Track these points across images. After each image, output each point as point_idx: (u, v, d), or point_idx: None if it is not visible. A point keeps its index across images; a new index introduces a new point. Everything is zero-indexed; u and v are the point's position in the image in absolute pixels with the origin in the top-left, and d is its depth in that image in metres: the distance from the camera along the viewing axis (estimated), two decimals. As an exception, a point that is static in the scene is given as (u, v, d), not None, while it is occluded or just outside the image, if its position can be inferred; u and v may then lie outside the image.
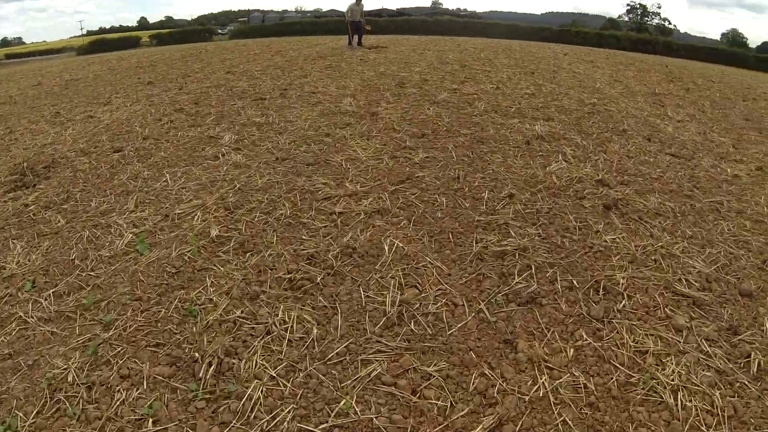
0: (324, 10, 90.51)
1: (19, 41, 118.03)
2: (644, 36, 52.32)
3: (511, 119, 8.59)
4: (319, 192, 5.53)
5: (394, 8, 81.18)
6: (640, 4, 69.97)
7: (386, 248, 4.36)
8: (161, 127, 8.72)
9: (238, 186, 5.81)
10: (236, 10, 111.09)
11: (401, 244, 4.41)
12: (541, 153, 6.94)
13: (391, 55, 17.48)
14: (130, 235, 4.83)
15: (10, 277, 4.28)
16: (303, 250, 4.38)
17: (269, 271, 4.12)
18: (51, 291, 4.02)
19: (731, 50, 51.06)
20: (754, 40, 77.08)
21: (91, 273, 4.25)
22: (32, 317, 3.72)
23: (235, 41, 39.70)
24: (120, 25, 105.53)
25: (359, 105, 9.38)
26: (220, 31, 69.15)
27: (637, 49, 43.38)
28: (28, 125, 10.32)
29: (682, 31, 71.31)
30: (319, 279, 3.97)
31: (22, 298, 3.98)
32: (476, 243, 4.48)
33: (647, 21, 69.01)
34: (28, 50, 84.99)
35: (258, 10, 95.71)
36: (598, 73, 15.85)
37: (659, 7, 70.69)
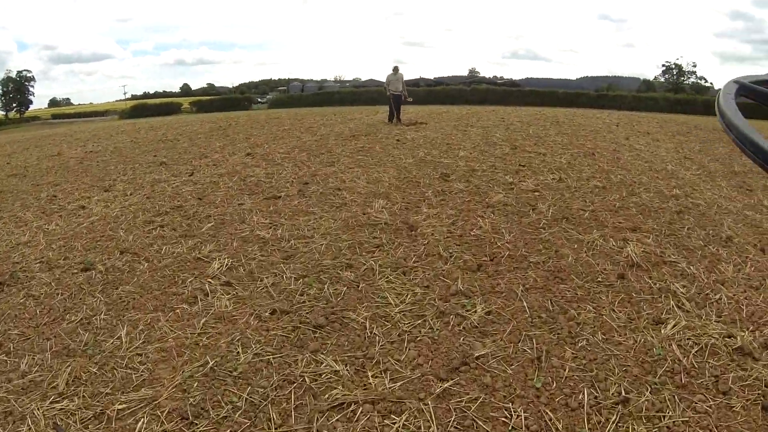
0: (363, 79, 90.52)
1: (67, 102, 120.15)
2: (682, 96, 51.34)
3: (590, 232, 6.46)
4: (326, 394, 3.47)
5: (431, 77, 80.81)
6: (675, 64, 69.30)
7: None
8: (147, 235, 6.99)
9: (210, 364, 3.82)
10: (276, 78, 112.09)
11: None
12: (643, 295, 4.82)
13: (431, 134, 15.57)
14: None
15: None
16: None
17: None
18: None
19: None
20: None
21: None
22: None
23: (269, 111, 38.30)
24: (164, 91, 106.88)
25: (393, 211, 7.37)
26: (259, 99, 69.33)
27: (675, 110, 42.58)
28: (18, 210, 8.99)
29: (716, 87, 69.94)
30: None
31: None
32: None
33: (683, 80, 67.98)
34: (74, 111, 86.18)
35: (297, 80, 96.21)
36: (662, 149, 13.73)
37: (695, 66, 69.52)
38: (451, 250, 5.82)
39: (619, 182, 9.18)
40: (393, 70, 19.63)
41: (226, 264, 5.69)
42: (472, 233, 6.37)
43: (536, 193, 8.25)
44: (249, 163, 11.91)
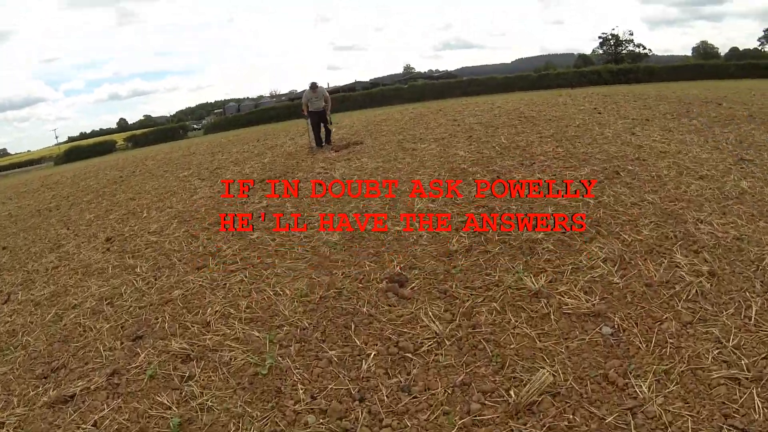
0: (299, 90, 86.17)
1: (4, 152, 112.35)
2: (625, 66, 49.61)
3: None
4: None
5: (366, 79, 76.74)
6: (612, 34, 67.40)
7: None
8: None
9: None
10: (213, 101, 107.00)
11: None
12: None
13: (369, 163, 10.74)
14: None
15: None
16: None
17: None
18: None
19: (713, 63, 50.11)
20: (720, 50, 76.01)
21: None
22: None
23: (192, 142, 32.42)
24: (100, 129, 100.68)
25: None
26: (195, 126, 65.51)
27: (619, 80, 41.77)
28: None
29: (653, 53, 68.77)
30: None
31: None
32: None
33: (621, 50, 66.01)
34: (9, 162, 79.43)
35: (233, 100, 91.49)
36: (694, 146, 9.24)
37: (631, 35, 67.48)
38: None
39: (712, 245, 4.67)
40: (311, 87, 14.25)
41: None
42: None
43: (601, 338, 3.64)
44: (94, 265, 7.24)
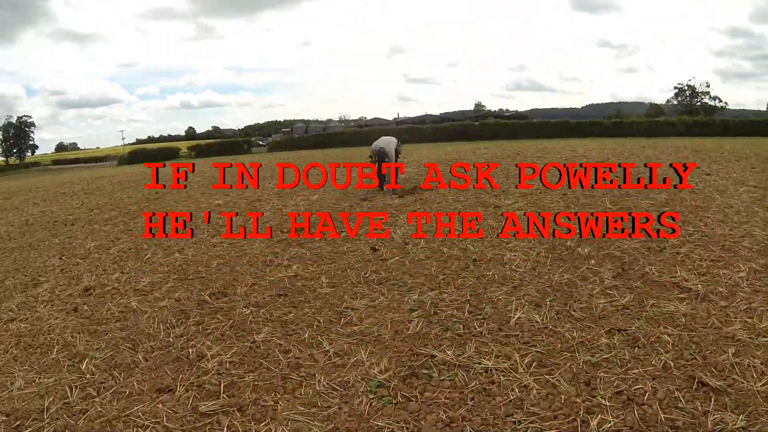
0: (368, 118, 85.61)
1: (74, 146, 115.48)
2: (699, 119, 46.97)
3: None
4: None
5: (437, 113, 75.63)
6: (688, 85, 64.70)
7: None
8: None
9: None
10: (282, 120, 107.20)
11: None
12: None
13: (434, 243, 7.53)
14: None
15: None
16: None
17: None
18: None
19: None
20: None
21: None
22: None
23: (251, 158, 29.99)
24: (168, 134, 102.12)
25: None
26: (260, 142, 65.81)
27: (693, 133, 38.76)
28: None
29: (728, 107, 65.45)
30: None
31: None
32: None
33: (697, 102, 63.07)
34: (74, 156, 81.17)
35: (301, 121, 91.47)
36: None
37: (708, 86, 64.85)
38: None
39: None
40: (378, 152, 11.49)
41: None
42: None
43: None
44: (43, 335, 5.08)
